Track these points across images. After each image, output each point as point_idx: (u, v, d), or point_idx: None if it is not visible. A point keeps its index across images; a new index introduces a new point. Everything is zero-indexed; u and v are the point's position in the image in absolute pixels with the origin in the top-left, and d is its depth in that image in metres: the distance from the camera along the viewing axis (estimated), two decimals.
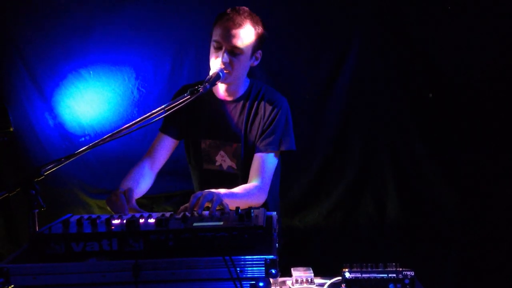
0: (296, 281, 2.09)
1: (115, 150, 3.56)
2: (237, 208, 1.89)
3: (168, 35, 3.51)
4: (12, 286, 1.64)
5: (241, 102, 2.58)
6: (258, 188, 2.47)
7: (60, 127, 3.61)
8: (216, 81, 2.33)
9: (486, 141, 3.36)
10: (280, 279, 2.13)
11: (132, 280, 1.61)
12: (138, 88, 3.56)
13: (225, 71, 2.37)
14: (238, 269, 1.61)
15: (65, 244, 1.69)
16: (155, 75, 3.56)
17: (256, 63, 2.55)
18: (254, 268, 1.62)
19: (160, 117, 2.04)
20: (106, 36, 3.54)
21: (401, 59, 3.43)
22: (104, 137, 1.96)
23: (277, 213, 2.32)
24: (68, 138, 3.61)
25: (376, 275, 1.98)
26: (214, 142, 2.59)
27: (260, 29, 2.47)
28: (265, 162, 2.52)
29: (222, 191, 2.22)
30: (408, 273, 1.97)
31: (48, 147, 3.61)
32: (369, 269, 1.99)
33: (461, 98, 3.37)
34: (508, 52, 3.28)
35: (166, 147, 2.64)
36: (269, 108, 2.54)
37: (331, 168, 3.55)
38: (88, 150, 1.95)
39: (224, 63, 2.38)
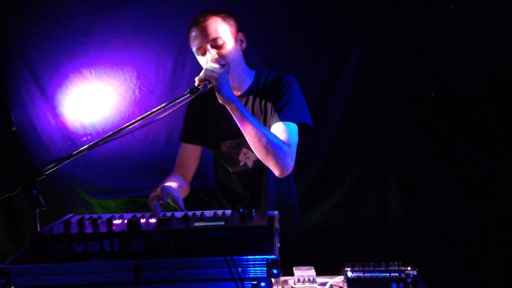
0: (298, 280, 2.08)
1: (117, 150, 3.56)
2: (239, 208, 1.88)
3: (170, 34, 3.50)
4: (13, 287, 1.64)
5: (252, 94, 2.55)
6: (286, 144, 2.35)
7: (62, 126, 3.60)
8: None
9: (490, 140, 3.34)
10: (282, 278, 2.13)
11: (133, 280, 1.61)
12: (139, 88, 3.56)
13: (222, 65, 2.37)
14: (239, 269, 1.61)
15: (66, 245, 1.70)
16: (157, 75, 3.55)
17: (244, 46, 2.55)
18: (256, 268, 1.62)
19: (161, 116, 2.03)
20: (107, 36, 3.53)
21: (403, 58, 3.41)
22: (105, 136, 1.96)
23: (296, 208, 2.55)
24: (70, 137, 3.61)
25: (378, 274, 1.97)
26: (234, 142, 2.56)
27: (224, 14, 2.50)
28: (287, 129, 2.39)
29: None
30: (411, 272, 1.96)
31: (50, 146, 3.61)
32: (371, 268, 1.98)
33: (464, 97, 3.36)
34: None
35: (193, 155, 2.67)
36: (280, 84, 2.49)
37: (334, 168, 3.54)
38: (90, 149, 1.94)
39: (215, 59, 2.39)
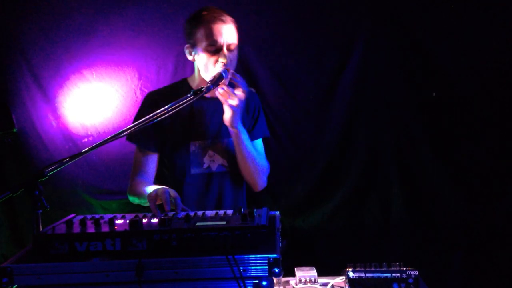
0: (300, 281, 2.09)
1: (118, 151, 3.56)
2: (240, 208, 1.90)
3: (171, 35, 3.51)
4: (16, 286, 1.65)
5: None
6: (267, 164, 2.62)
7: (63, 127, 3.61)
8: (220, 82, 2.31)
9: (492, 141, 3.34)
10: (284, 279, 2.13)
11: (135, 279, 1.61)
12: (141, 89, 3.56)
13: (228, 70, 2.36)
14: (241, 268, 1.61)
15: (69, 244, 1.70)
16: (158, 76, 3.56)
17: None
18: (257, 267, 1.62)
19: (163, 117, 2.03)
20: (108, 37, 3.54)
21: (405, 59, 3.42)
22: (107, 137, 1.97)
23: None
24: (71, 139, 3.61)
25: (379, 274, 1.97)
26: (204, 143, 2.54)
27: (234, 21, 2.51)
28: (261, 146, 2.67)
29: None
30: (412, 272, 1.97)
31: (51, 148, 3.61)
32: (373, 269, 1.99)
33: (466, 98, 3.36)
34: None
35: (153, 162, 2.58)
36: (252, 100, 2.65)
37: (335, 168, 3.54)
38: (91, 151, 1.95)
39: (226, 62, 2.39)
